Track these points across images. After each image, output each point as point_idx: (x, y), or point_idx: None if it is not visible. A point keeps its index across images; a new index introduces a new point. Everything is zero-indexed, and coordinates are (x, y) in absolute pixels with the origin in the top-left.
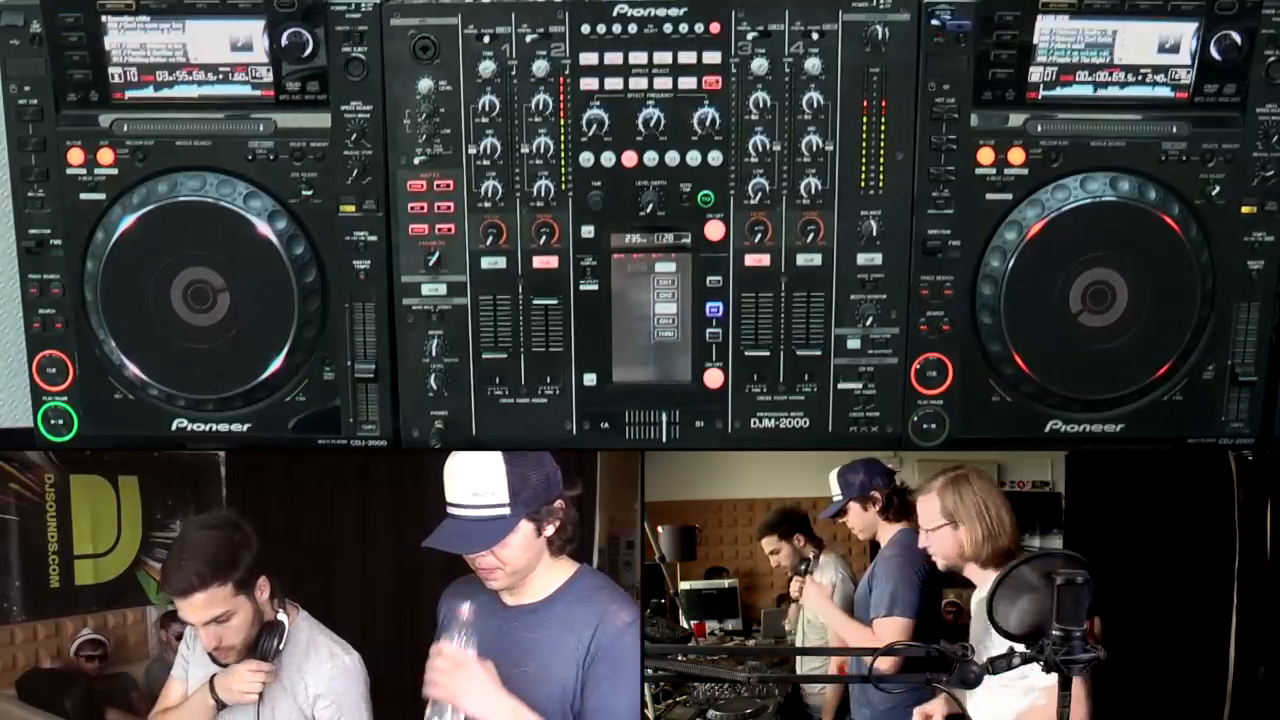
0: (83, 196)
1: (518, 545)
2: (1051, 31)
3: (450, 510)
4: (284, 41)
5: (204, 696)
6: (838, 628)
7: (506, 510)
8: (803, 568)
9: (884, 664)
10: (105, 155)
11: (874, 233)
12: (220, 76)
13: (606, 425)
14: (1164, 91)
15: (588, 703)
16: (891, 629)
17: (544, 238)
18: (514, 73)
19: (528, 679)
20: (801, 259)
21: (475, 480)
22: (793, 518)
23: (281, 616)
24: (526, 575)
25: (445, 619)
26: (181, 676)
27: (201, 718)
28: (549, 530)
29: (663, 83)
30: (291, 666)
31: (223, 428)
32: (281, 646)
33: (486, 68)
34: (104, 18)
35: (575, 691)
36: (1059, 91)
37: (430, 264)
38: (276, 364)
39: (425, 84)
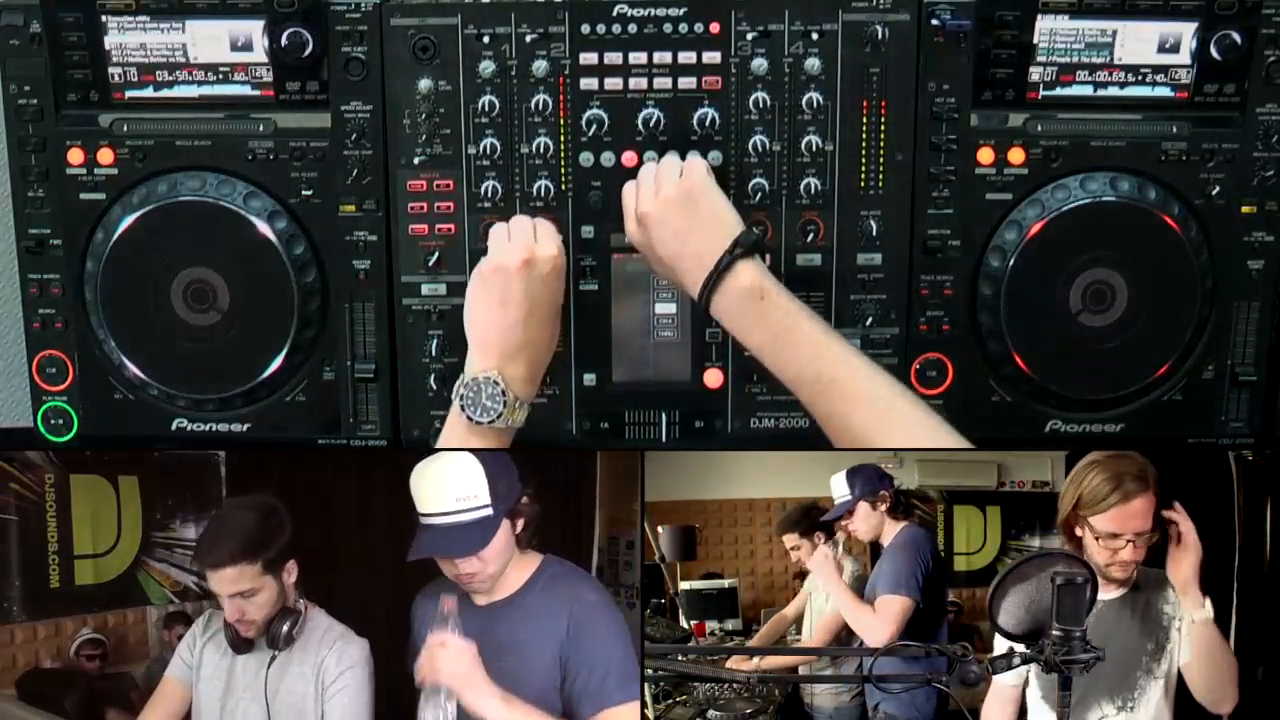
0: (83, 196)
1: (500, 545)
2: (1051, 31)
3: (427, 520)
4: (284, 41)
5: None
6: (841, 601)
7: (490, 510)
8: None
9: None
10: (105, 155)
11: (874, 233)
12: (220, 76)
13: (606, 425)
14: (1164, 91)
15: (576, 684)
16: (894, 606)
17: None
18: (514, 73)
19: (508, 674)
20: (801, 259)
21: (457, 484)
22: (815, 516)
23: (300, 605)
24: (501, 575)
25: (423, 618)
26: (179, 678)
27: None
28: (519, 526)
29: (663, 83)
30: (309, 653)
31: (223, 428)
32: (295, 634)
33: (486, 68)
34: (104, 18)
35: (560, 675)
36: (1059, 91)
37: (430, 264)
38: (276, 364)
39: (425, 84)
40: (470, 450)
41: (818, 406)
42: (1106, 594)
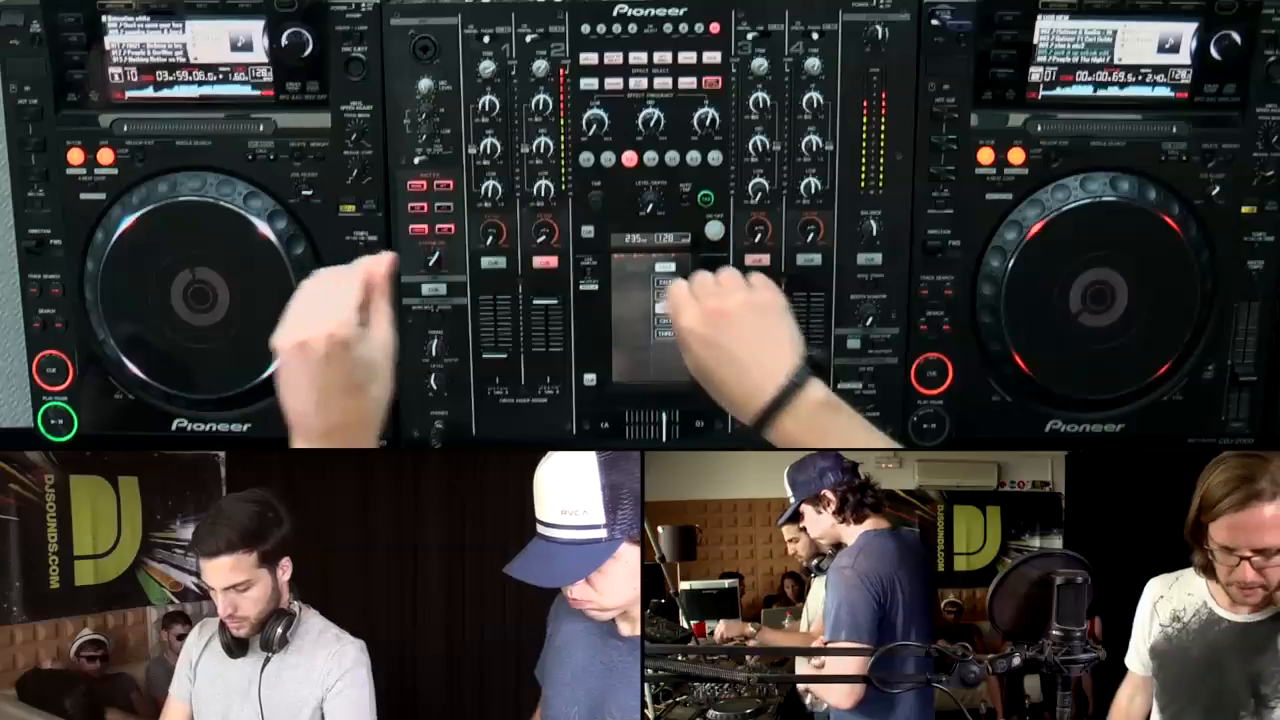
0: (83, 196)
1: (620, 575)
2: (1051, 31)
3: (539, 529)
4: (284, 41)
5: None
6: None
7: (602, 532)
8: (815, 563)
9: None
10: (105, 155)
11: (874, 233)
12: (220, 76)
13: (606, 425)
14: (1164, 91)
15: None
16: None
17: (544, 238)
18: (514, 73)
19: None
20: (801, 259)
21: (564, 493)
22: None
23: (295, 607)
24: (633, 608)
25: (557, 623)
26: (182, 697)
27: None
28: None
29: (663, 83)
30: (305, 656)
31: (223, 428)
32: (289, 636)
33: (486, 68)
34: (104, 17)
35: None
36: (1059, 91)
37: (430, 264)
38: (276, 364)
39: (425, 84)
40: (600, 451)
41: None
42: (1235, 614)
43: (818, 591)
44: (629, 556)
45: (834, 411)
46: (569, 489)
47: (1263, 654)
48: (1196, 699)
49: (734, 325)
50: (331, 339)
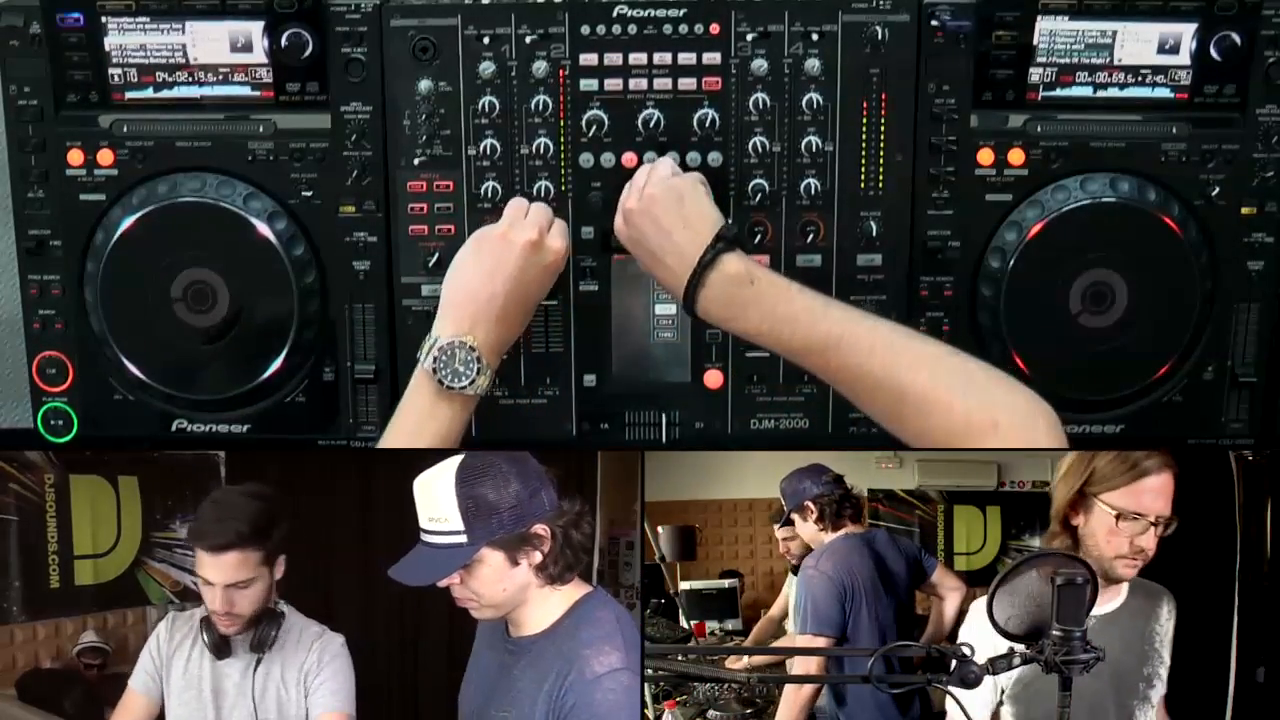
0: (82, 197)
1: (488, 578)
2: (1051, 32)
3: (420, 535)
4: (284, 42)
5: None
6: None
7: (463, 538)
8: (795, 562)
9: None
10: (105, 156)
11: (874, 233)
12: (220, 77)
13: (606, 425)
14: (1164, 92)
15: None
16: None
17: None
18: (514, 73)
19: None
20: (801, 259)
21: (429, 503)
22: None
23: (281, 607)
24: (512, 609)
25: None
26: (147, 691)
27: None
28: (527, 561)
29: (662, 83)
30: (290, 654)
31: (223, 428)
32: (277, 636)
33: (486, 68)
34: (104, 18)
35: None
36: (1059, 92)
37: (430, 265)
38: (276, 364)
39: (425, 85)
40: (461, 464)
41: (832, 366)
42: (1098, 608)
43: (792, 585)
44: (492, 560)
45: (746, 283)
46: (431, 500)
47: (1135, 638)
48: (1098, 706)
49: (643, 219)
50: (560, 254)
